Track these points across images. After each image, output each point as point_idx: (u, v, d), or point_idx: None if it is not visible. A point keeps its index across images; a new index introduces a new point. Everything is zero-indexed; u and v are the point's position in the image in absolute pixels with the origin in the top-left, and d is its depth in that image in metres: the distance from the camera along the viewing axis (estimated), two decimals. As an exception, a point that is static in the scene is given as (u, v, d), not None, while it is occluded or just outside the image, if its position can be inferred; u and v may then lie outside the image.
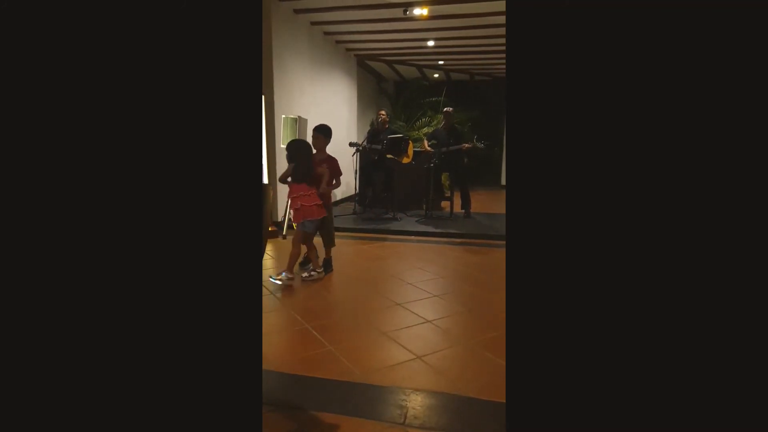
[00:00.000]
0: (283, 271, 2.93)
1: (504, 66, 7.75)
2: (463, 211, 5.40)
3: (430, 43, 6.26)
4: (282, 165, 4.87)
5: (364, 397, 1.65)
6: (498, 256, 3.82)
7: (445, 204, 5.60)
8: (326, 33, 5.88)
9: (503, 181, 9.10)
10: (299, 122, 4.30)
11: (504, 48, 6.24)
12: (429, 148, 5.27)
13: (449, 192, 5.76)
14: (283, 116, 4.35)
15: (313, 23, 5.41)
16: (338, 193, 6.73)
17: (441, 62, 7.78)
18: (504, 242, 4.16)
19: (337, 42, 6.41)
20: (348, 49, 6.89)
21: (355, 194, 5.62)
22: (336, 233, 4.70)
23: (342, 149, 5.60)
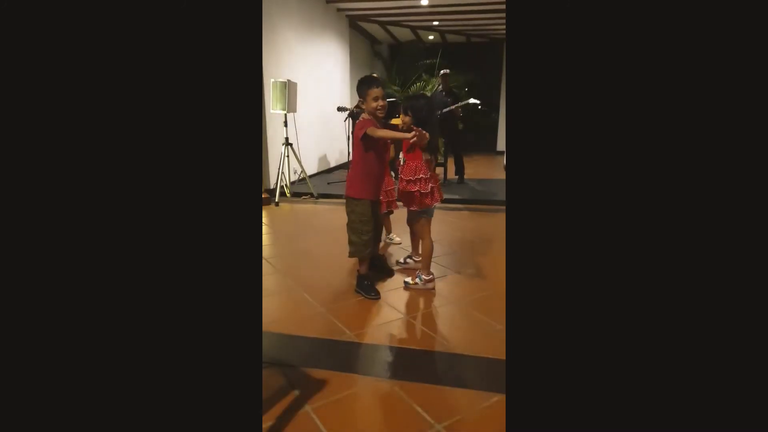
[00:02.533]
0: (420, 274, 2.37)
1: (501, 27, 7.51)
2: (457, 177, 5.38)
3: (424, 2, 6.03)
4: (273, 130, 4.79)
5: (354, 354, 1.70)
6: (490, 221, 3.85)
7: (438, 170, 5.57)
8: (316, -8, 5.66)
9: (499, 147, 9.02)
10: (289, 86, 4.21)
11: (501, 7, 6.06)
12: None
13: (443, 158, 5.72)
14: (272, 80, 4.25)
15: (302, -19, 5.19)
16: (332, 161, 6.68)
17: (436, 23, 7.53)
18: (497, 207, 4.19)
19: (328, 2, 6.17)
20: (339, 9, 6.64)
21: (348, 161, 5.58)
22: (329, 199, 4.72)
23: (332, 115, 5.51)
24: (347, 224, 2.26)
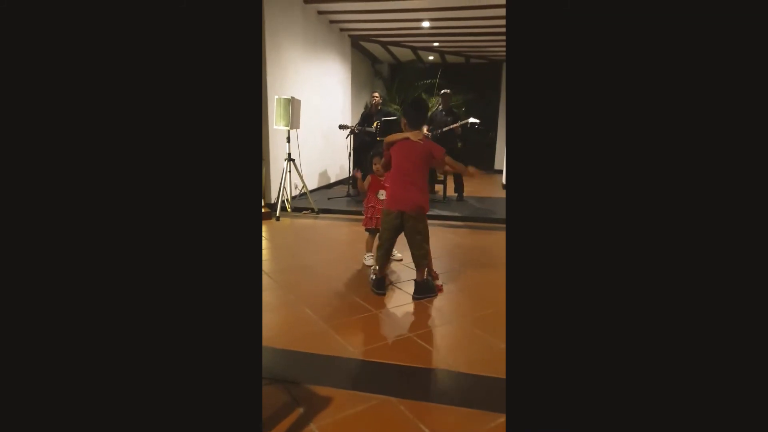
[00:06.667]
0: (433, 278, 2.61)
1: (500, 48, 7.68)
2: (456, 194, 5.42)
3: (425, 24, 6.18)
4: (275, 146, 4.84)
5: (357, 371, 1.70)
6: (489, 238, 3.87)
7: (438, 187, 5.61)
8: (320, 12, 5.78)
9: (497, 166, 9.11)
10: (292, 103, 4.26)
11: (501, 30, 6.21)
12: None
13: (442, 175, 5.77)
14: (276, 97, 4.31)
15: (307, 1, 5.30)
16: (332, 176, 6.72)
17: (436, 44, 7.69)
18: (496, 225, 4.21)
19: (331, 22, 6.30)
20: (342, 30, 6.78)
21: (349, 177, 5.62)
22: (330, 214, 4.73)
23: (333, 131, 5.57)
24: (422, 240, 2.44)
